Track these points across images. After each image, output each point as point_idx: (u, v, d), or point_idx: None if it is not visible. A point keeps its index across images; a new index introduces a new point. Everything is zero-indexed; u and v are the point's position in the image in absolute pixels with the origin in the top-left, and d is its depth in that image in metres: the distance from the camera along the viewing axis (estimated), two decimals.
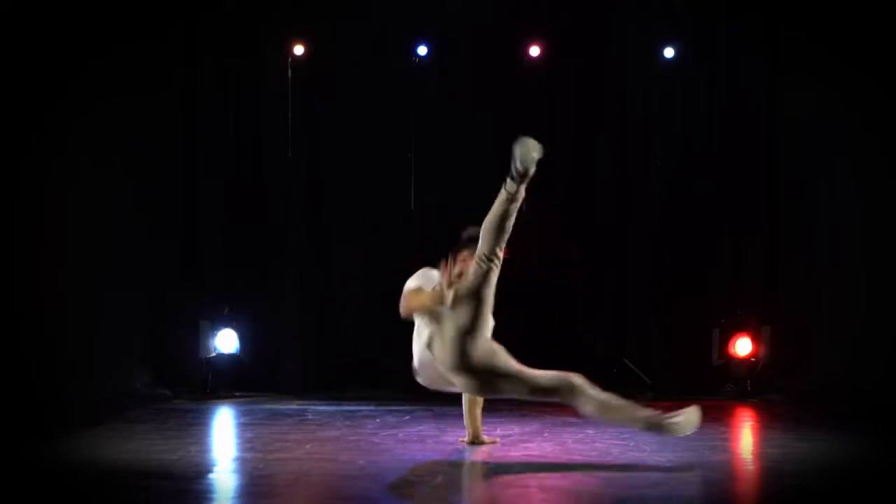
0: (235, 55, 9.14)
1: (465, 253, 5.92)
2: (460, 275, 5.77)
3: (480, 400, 6.31)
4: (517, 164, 5.65)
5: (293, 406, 8.22)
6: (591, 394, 5.77)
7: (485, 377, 5.78)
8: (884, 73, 8.29)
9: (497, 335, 5.94)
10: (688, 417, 5.77)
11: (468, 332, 5.75)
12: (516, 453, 6.12)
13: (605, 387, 8.85)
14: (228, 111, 9.19)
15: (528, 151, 5.65)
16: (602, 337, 9.32)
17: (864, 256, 8.62)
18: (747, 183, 9.27)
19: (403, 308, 5.85)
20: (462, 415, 6.39)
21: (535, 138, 5.69)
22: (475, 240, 5.84)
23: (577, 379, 5.77)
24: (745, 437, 7.31)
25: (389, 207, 9.24)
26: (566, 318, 9.36)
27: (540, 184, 9.14)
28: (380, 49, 9.21)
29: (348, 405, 8.18)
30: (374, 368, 9.05)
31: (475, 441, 6.34)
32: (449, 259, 5.80)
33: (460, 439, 6.42)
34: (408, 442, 6.48)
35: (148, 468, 5.60)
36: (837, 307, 8.75)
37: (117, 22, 8.31)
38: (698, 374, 9.02)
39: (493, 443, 6.39)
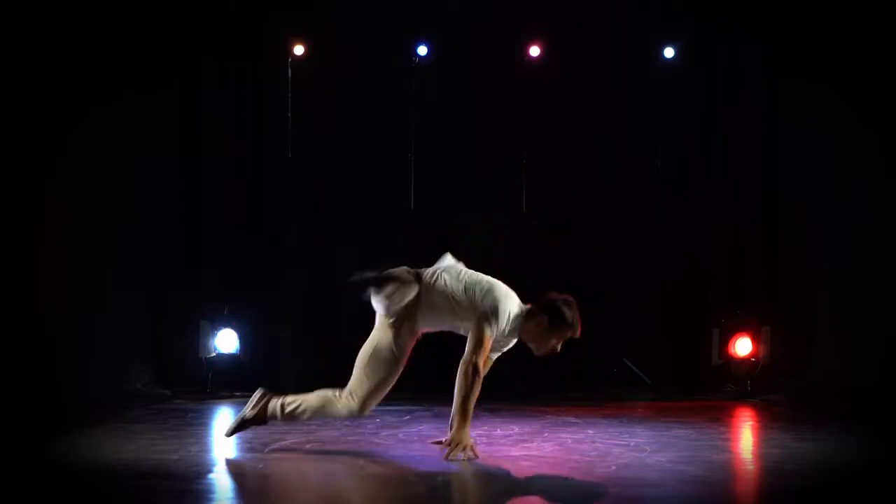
0: (235, 55, 9.13)
1: None
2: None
3: None
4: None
5: None
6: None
7: None
8: (884, 73, 8.28)
9: None
10: None
11: None
12: (516, 453, 6.11)
13: (605, 386, 8.95)
14: (228, 111, 9.19)
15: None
16: (602, 337, 9.31)
17: (864, 256, 8.61)
18: (747, 183, 9.26)
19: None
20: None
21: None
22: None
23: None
24: (745, 437, 7.31)
25: (389, 207, 9.24)
26: None
27: (541, 183, 9.33)
28: (380, 49, 9.21)
29: None
30: None
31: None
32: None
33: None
34: (408, 442, 6.48)
35: (148, 468, 5.59)
36: (837, 307, 8.74)
37: (118, 21, 8.31)
38: (698, 374, 9.02)
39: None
